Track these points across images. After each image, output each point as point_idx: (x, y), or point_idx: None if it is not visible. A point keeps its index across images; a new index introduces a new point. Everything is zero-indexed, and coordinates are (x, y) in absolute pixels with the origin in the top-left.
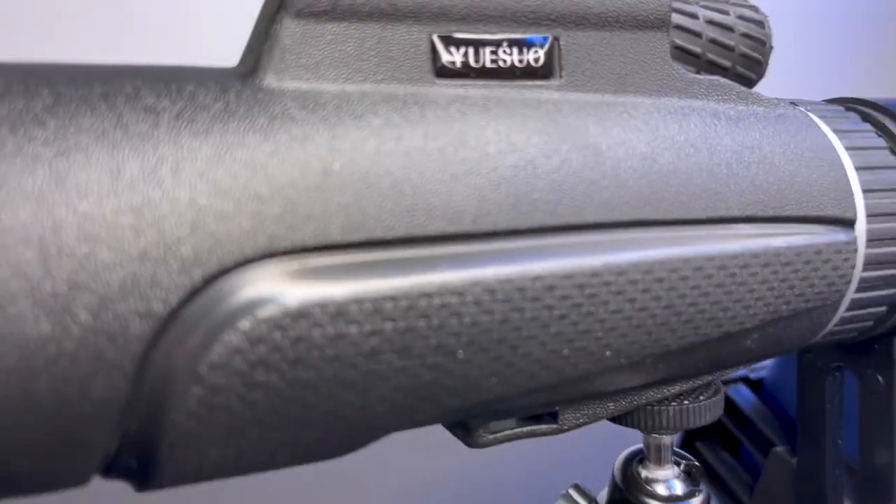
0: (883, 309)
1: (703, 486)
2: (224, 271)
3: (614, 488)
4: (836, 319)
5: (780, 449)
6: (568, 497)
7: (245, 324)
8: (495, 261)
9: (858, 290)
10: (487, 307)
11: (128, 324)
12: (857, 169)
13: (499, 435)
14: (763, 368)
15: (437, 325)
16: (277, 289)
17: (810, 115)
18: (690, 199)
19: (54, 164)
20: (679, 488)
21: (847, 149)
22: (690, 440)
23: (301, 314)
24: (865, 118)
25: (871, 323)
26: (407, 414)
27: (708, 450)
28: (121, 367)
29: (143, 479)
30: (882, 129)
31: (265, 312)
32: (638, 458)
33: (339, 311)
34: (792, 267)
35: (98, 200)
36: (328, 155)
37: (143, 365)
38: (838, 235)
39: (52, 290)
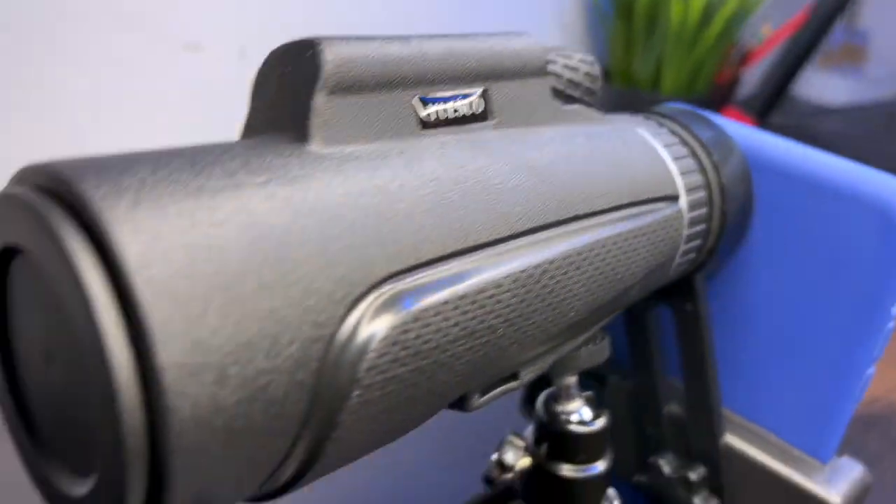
0: (694, 255)
1: (603, 412)
2: (362, 295)
3: (539, 426)
4: (673, 266)
5: (614, 379)
6: (510, 442)
7: (383, 332)
8: (510, 258)
9: (685, 242)
10: (513, 291)
11: (309, 349)
12: (672, 159)
13: (485, 398)
14: None
15: (488, 310)
16: (398, 302)
17: (633, 126)
18: (593, 196)
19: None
20: (587, 414)
21: (662, 147)
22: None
23: (416, 318)
24: (660, 124)
25: (687, 267)
26: (465, 385)
27: None
28: (305, 385)
29: (295, 480)
30: (671, 131)
31: (395, 321)
32: (552, 398)
33: (437, 312)
34: (653, 235)
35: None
36: (395, 192)
37: (318, 380)
38: (672, 208)
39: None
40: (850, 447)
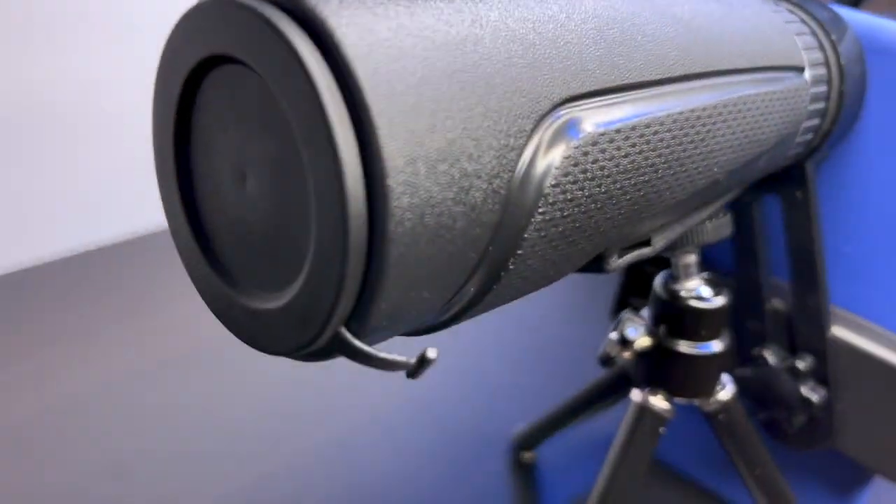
0: (811, 136)
1: (725, 289)
2: (546, 113)
3: (657, 303)
4: (795, 143)
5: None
6: (630, 320)
7: (565, 151)
8: (670, 99)
9: (807, 118)
10: (672, 131)
11: (504, 159)
12: (796, 35)
13: (622, 260)
14: None
15: (651, 147)
16: (578, 125)
17: (762, 4)
18: (732, 54)
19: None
20: (707, 291)
21: (786, 22)
22: (624, 300)
23: (594, 142)
24: (777, 2)
25: (802, 149)
26: (622, 230)
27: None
28: (499, 193)
29: (467, 308)
30: (790, 10)
31: (576, 142)
32: (671, 278)
33: (611, 139)
34: (784, 102)
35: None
36: (564, 22)
37: (508, 191)
38: (800, 79)
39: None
40: None
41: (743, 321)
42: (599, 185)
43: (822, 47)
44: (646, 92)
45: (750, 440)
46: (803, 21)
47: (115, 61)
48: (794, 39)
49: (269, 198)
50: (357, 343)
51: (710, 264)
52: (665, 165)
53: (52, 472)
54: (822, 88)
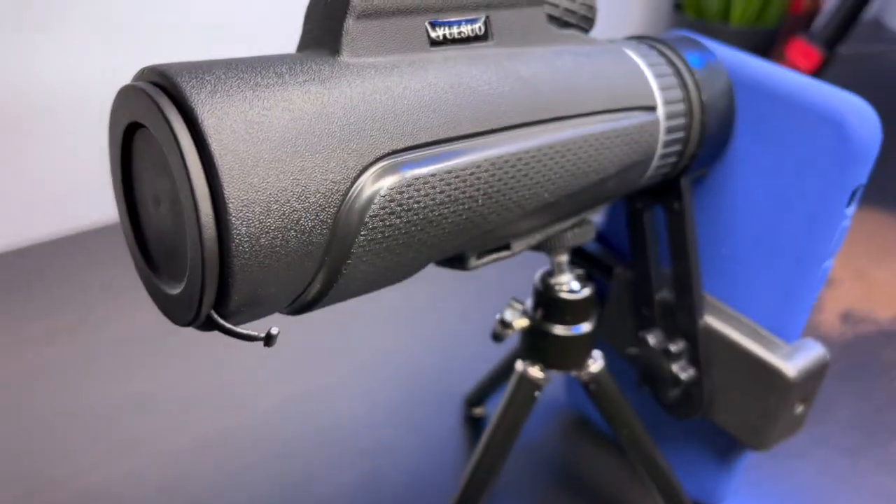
0: (674, 160)
1: (589, 283)
2: (370, 164)
3: (536, 295)
4: (651, 168)
5: (618, 270)
6: (510, 305)
7: (383, 190)
8: (490, 146)
9: (663, 146)
10: (490, 171)
11: (330, 198)
12: (654, 77)
13: (480, 261)
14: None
15: (468, 184)
16: (397, 170)
17: (622, 48)
18: (572, 102)
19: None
20: (576, 285)
21: (647, 65)
22: None
23: (409, 183)
24: (651, 47)
25: (668, 170)
26: (453, 242)
27: None
28: (326, 223)
29: (318, 298)
30: (660, 53)
31: (393, 182)
32: (548, 273)
33: (426, 181)
34: (629, 137)
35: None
36: (400, 93)
37: (336, 220)
38: (649, 116)
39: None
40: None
41: (638, 308)
42: (416, 214)
43: (684, 85)
44: (467, 142)
45: (618, 405)
46: (669, 62)
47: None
48: (650, 81)
49: (169, 218)
50: (222, 322)
51: (620, 257)
52: (485, 197)
53: (81, 405)
54: (681, 121)
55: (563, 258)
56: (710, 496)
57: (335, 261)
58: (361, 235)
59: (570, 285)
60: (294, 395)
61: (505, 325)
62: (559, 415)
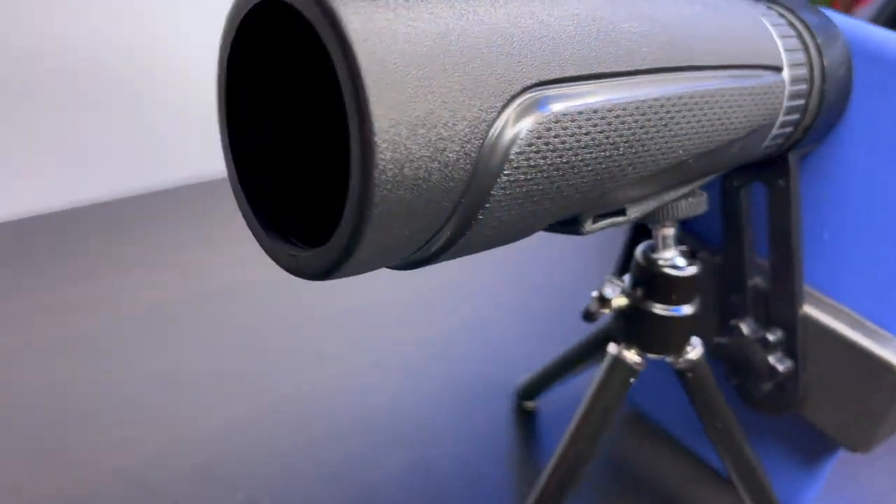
0: (790, 130)
1: (695, 261)
2: (517, 94)
3: (638, 271)
4: (770, 136)
5: (702, 254)
6: (610, 281)
7: (530, 125)
8: (635, 87)
9: (784, 113)
10: (634, 116)
11: (476, 128)
12: (779, 36)
13: (596, 225)
14: None
15: (613, 128)
16: (544, 104)
17: (746, 4)
18: (707, 52)
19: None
20: (681, 261)
21: (770, 24)
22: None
23: (557, 119)
24: (769, 6)
25: (782, 141)
26: (587, 195)
27: None
28: (470, 156)
29: (442, 250)
30: (779, 13)
31: (541, 118)
32: (650, 248)
33: (573, 118)
34: (756, 98)
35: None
36: (545, 19)
37: (479, 155)
38: (775, 77)
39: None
40: None
41: (727, 295)
42: (561, 157)
43: (806, 49)
44: (613, 81)
45: (714, 397)
46: (791, 24)
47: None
48: (777, 41)
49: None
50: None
51: (702, 241)
52: (627, 145)
53: (115, 378)
54: (802, 87)
55: (670, 231)
56: (791, 501)
57: (472, 204)
58: (504, 175)
59: (674, 261)
60: (334, 378)
61: (603, 301)
62: (625, 418)
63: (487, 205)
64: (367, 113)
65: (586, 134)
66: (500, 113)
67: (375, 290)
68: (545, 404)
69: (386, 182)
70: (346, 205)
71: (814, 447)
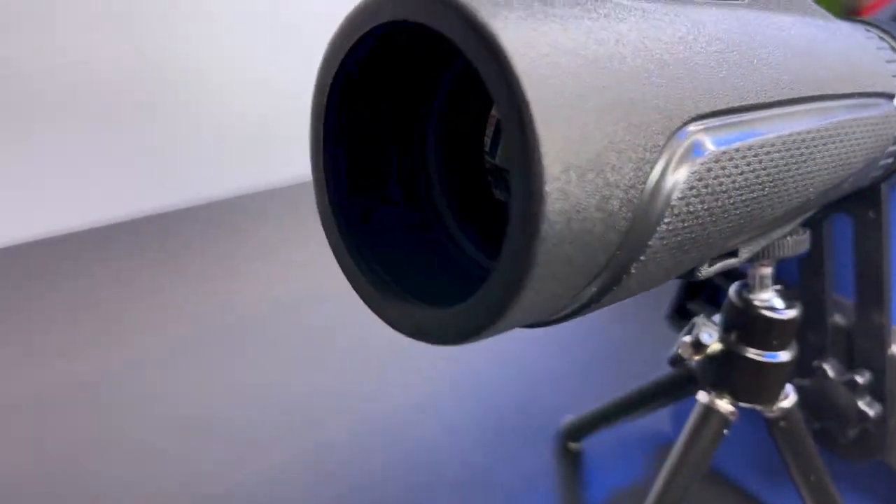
0: (891, 160)
1: (796, 302)
2: (676, 129)
3: (731, 311)
4: (879, 165)
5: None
6: (703, 324)
7: (694, 167)
8: (780, 121)
9: (892, 143)
10: (781, 152)
11: (640, 171)
12: (886, 62)
13: (711, 269)
14: None
15: (763, 166)
16: (704, 143)
17: (846, 26)
18: (833, 80)
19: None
20: (779, 303)
21: (877, 49)
22: (682, 305)
23: (717, 159)
24: (867, 29)
25: (879, 173)
26: (729, 240)
27: (699, 306)
28: (632, 203)
29: (584, 307)
30: (880, 37)
31: (703, 159)
32: (745, 287)
33: (731, 157)
34: (874, 128)
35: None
36: (691, 43)
37: (640, 202)
38: (889, 106)
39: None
40: None
41: (804, 333)
42: (717, 200)
43: None
44: (760, 113)
45: (807, 448)
46: (892, 48)
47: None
48: (885, 66)
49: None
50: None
51: (777, 277)
52: (771, 184)
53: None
54: None
55: (768, 271)
56: None
57: (627, 257)
58: (664, 224)
59: (772, 303)
60: (379, 416)
61: (698, 347)
62: (664, 449)
63: (642, 257)
64: (536, 156)
65: (741, 174)
66: (661, 153)
67: None
68: (589, 443)
69: (553, 237)
70: (500, 261)
71: (893, 494)
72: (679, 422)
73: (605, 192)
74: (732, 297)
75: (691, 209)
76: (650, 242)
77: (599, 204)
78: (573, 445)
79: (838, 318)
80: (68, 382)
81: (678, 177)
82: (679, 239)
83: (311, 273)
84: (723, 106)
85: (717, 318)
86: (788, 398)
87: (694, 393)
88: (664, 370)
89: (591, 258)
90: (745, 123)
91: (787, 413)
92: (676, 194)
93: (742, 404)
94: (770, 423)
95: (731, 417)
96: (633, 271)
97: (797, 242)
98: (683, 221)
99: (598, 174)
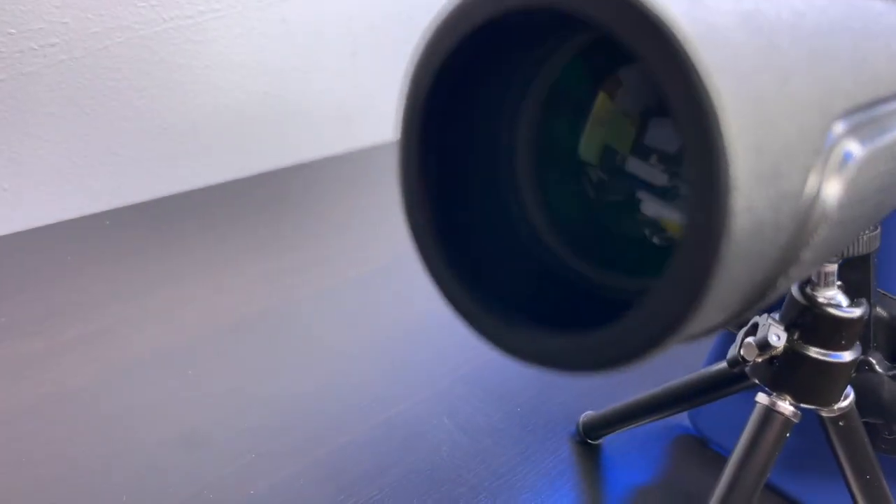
0: None
1: (862, 300)
2: (836, 120)
3: (794, 309)
4: None
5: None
6: (769, 325)
7: (847, 172)
8: None
9: None
10: None
11: (805, 170)
12: None
13: None
14: None
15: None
16: (857, 143)
17: None
18: None
19: None
20: (844, 301)
21: None
22: None
23: (868, 160)
24: None
25: None
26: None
27: None
28: (796, 215)
29: (733, 316)
30: None
31: (856, 160)
32: (808, 284)
33: (875, 157)
34: None
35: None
36: (830, 34)
37: (801, 212)
38: None
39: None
40: None
41: None
42: (862, 205)
43: None
44: (889, 107)
45: (864, 447)
46: None
47: None
48: None
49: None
50: None
51: None
52: (894, 186)
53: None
54: None
55: (833, 268)
56: None
57: (778, 270)
58: (818, 234)
59: (837, 300)
60: (394, 416)
61: (764, 349)
62: (689, 445)
63: (791, 269)
64: (723, 164)
65: (878, 175)
66: (818, 156)
67: (421, 318)
68: (607, 438)
69: (732, 257)
70: (662, 286)
71: None
72: (697, 414)
73: (778, 203)
74: (795, 295)
75: (843, 216)
76: (802, 255)
77: (773, 218)
78: (592, 443)
79: (881, 311)
80: (58, 393)
81: (833, 182)
82: (827, 248)
83: (308, 275)
84: (863, 99)
85: (775, 315)
86: (848, 398)
87: (733, 393)
88: (684, 367)
89: (752, 278)
90: (884, 118)
91: (845, 412)
92: (832, 202)
93: (803, 405)
94: (829, 423)
95: (794, 419)
96: (779, 286)
97: (870, 239)
98: (832, 230)
99: (775, 183)
